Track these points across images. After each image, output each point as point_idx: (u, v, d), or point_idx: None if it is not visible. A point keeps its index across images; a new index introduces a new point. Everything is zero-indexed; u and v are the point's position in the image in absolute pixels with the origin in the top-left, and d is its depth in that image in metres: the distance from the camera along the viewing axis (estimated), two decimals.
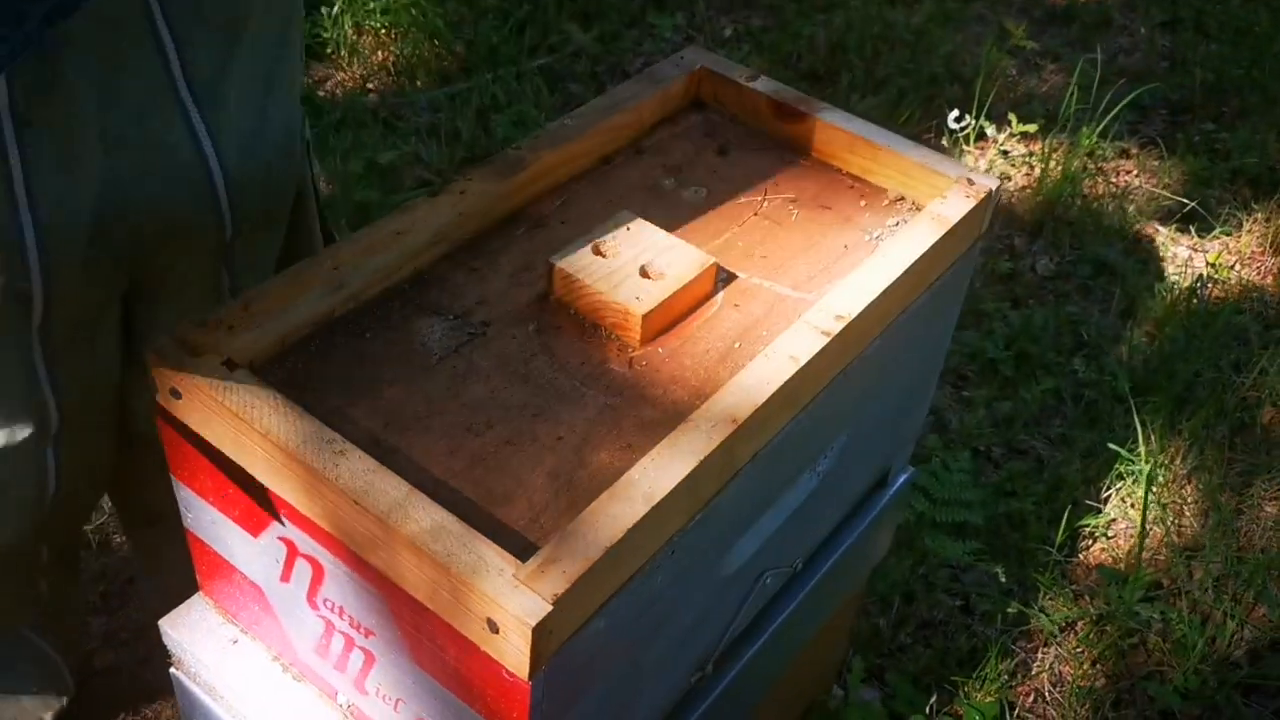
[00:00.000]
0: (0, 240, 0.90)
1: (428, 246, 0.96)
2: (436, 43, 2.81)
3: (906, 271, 0.95)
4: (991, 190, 1.05)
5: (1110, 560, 1.83)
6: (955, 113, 2.59)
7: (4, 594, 1.22)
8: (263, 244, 1.11)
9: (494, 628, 0.71)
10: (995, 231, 2.52)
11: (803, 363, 0.87)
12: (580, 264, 0.94)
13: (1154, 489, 1.92)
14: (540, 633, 0.70)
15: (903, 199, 1.09)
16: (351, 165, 2.44)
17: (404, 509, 0.74)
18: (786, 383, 0.85)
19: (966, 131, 2.65)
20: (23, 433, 1.02)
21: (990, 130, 2.70)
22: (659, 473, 0.78)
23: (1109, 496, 1.93)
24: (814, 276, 1.00)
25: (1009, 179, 2.64)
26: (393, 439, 0.83)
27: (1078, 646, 1.71)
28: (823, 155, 1.13)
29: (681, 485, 0.78)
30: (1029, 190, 2.60)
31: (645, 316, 0.91)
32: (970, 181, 1.05)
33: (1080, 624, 1.74)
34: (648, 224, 0.98)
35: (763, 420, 0.85)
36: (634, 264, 0.94)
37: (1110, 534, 1.88)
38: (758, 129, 1.15)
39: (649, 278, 0.94)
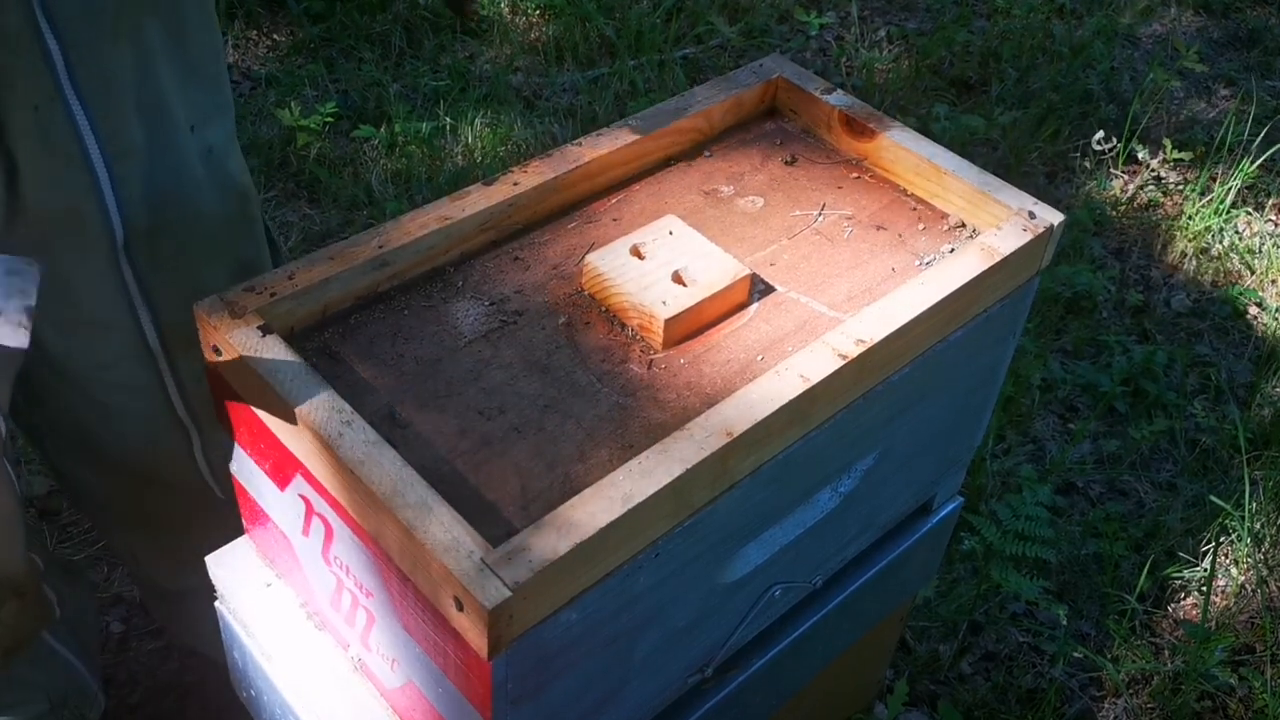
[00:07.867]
0: None
1: (476, 233, 1.00)
2: (587, 25, 2.86)
3: (941, 302, 0.94)
4: (1053, 225, 1.02)
5: (1203, 618, 1.75)
6: (1100, 134, 2.49)
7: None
8: (169, 250, 1.12)
9: (459, 605, 0.74)
10: (1133, 261, 2.42)
11: (813, 383, 0.87)
12: (614, 263, 0.96)
13: (1261, 549, 1.82)
14: (498, 616, 0.73)
15: (963, 225, 1.07)
16: (486, 141, 2.51)
17: (394, 484, 0.78)
18: (791, 402, 0.86)
19: (1113, 153, 2.55)
20: None
21: (1142, 154, 2.58)
22: (643, 476, 0.80)
23: (1209, 551, 1.84)
24: (854, 296, 1.00)
25: (1159, 206, 2.53)
26: (408, 414, 0.88)
27: (1149, 702, 1.65)
28: (889, 175, 1.11)
29: (665, 491, 0.80)
30: (1176, 220, 2.48)
31: (668, 321, 0.92)
32: (1031, 214, 1.02)
33: (1156, 678, 1.67)
34: (691, 230, 1.00)
35: (762, 436, 0.85)
36: (668, 268, 0.96)
37: (1203, 590, 1.80)
38: (829, 143, 1.15)
39: (680, 283, 0.95)
